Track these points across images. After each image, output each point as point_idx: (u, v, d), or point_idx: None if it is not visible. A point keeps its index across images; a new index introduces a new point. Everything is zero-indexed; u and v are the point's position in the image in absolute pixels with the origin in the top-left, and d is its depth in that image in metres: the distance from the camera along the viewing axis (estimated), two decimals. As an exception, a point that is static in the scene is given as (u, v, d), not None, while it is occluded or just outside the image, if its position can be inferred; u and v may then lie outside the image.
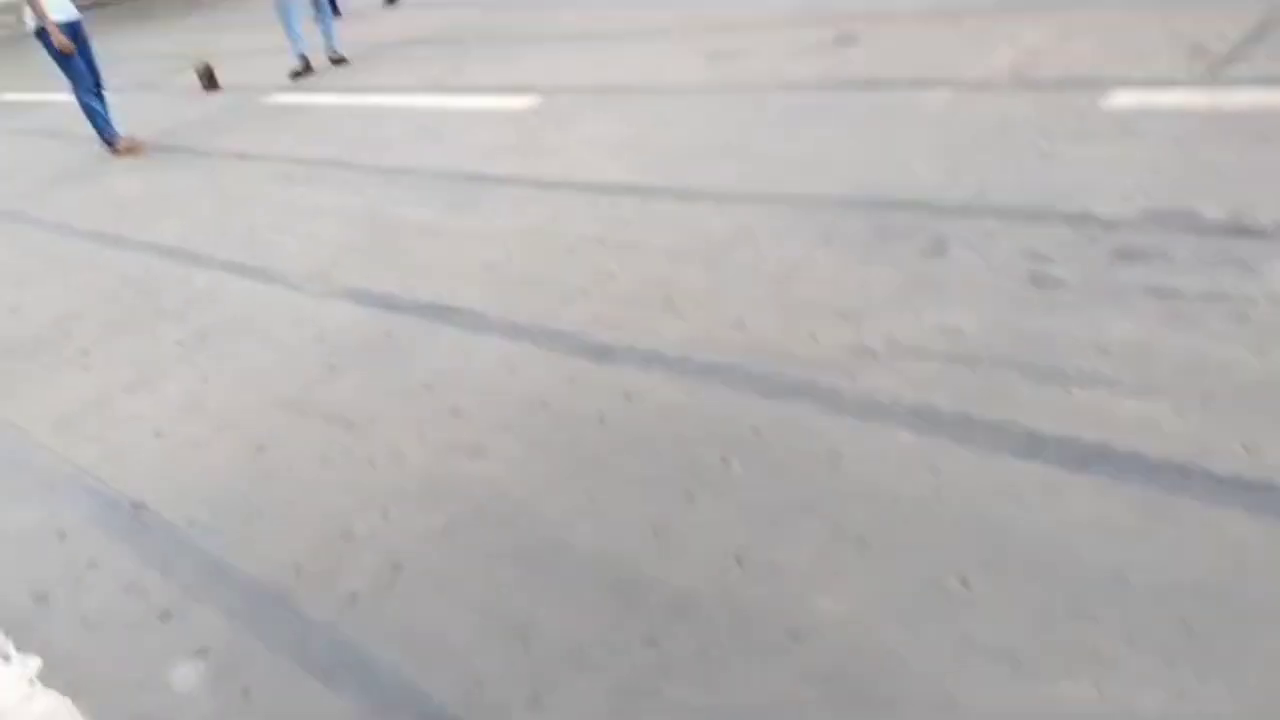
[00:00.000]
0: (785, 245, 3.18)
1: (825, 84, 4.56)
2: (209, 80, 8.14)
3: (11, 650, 2.26)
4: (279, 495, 2.58)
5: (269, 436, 2.89)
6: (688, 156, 4.19)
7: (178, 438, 3.03)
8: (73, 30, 6.45)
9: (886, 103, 4.17)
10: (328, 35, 8.03)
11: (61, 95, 9.56)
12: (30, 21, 6.29)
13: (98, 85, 6.69)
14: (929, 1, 5.37)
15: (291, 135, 6.32)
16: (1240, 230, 2.63)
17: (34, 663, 2.20)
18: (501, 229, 3.94)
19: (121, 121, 6.94)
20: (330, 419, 2.89)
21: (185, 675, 2.05)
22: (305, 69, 8.04)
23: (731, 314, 2.85)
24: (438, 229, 4.16)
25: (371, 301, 3.61)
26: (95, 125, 6.75)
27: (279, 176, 5.54)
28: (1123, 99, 3.61)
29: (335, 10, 10.15)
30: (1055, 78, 3.92)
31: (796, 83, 4.69)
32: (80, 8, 6.63)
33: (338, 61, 7.95)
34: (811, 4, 6.00)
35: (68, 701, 2.06)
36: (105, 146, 6.82)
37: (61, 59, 6.50)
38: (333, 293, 3.78)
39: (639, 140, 4.56)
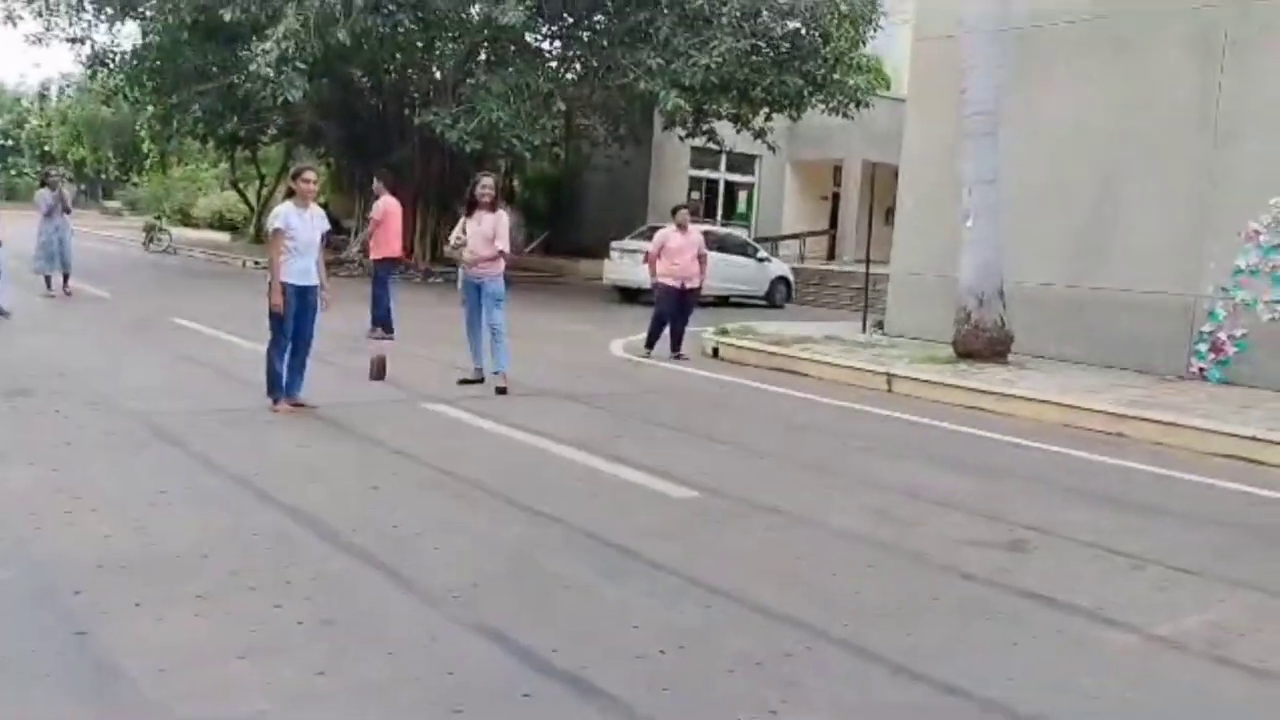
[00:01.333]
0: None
1: (993, 583, 4.45)
2: (379, 371, 8.57)
3: None
4: None
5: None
6: (853, 612, 4.04)
7: (280, 732, 2.78)
8: (301, 294, 6.95)
9: (1064, 624, 4.01)
10: (498, 361, 8.47)
11: (237, 339, 10.27)
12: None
13: (301, 349, 7.07)
14: (1110, 523, 5.37)
15: (445, 448, 6.45)
16: None
17: None
18: (649, 617, 3.78)
19: (307, 385, 7.23)
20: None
21: None
22: (475, 380, 8.56)
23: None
24: (588, 588, 4.03)
25: (510, 649, 3.41)
26: (268, 378, 7.05)
27: (426, 481, 5.59)
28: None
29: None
30: (1255, 663, 3.72)
31: (968, 571, 4.60)
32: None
33: (500, 391, 8.29)
34: (988, 500, 6.05)
35: None
36: (269, 399, 7.07)
37: (273, 314, 6.95)
38: (473, 624, 3.60)
39: (789, 566, 4.46)
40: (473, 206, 8.48)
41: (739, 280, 20.40)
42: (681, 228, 11.57)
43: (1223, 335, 10.54)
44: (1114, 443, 7.95)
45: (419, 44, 19.79)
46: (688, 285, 11.53)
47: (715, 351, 12.07)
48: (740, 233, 24.47)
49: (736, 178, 29.31)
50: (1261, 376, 10.16)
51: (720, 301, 19.83)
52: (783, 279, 21.44)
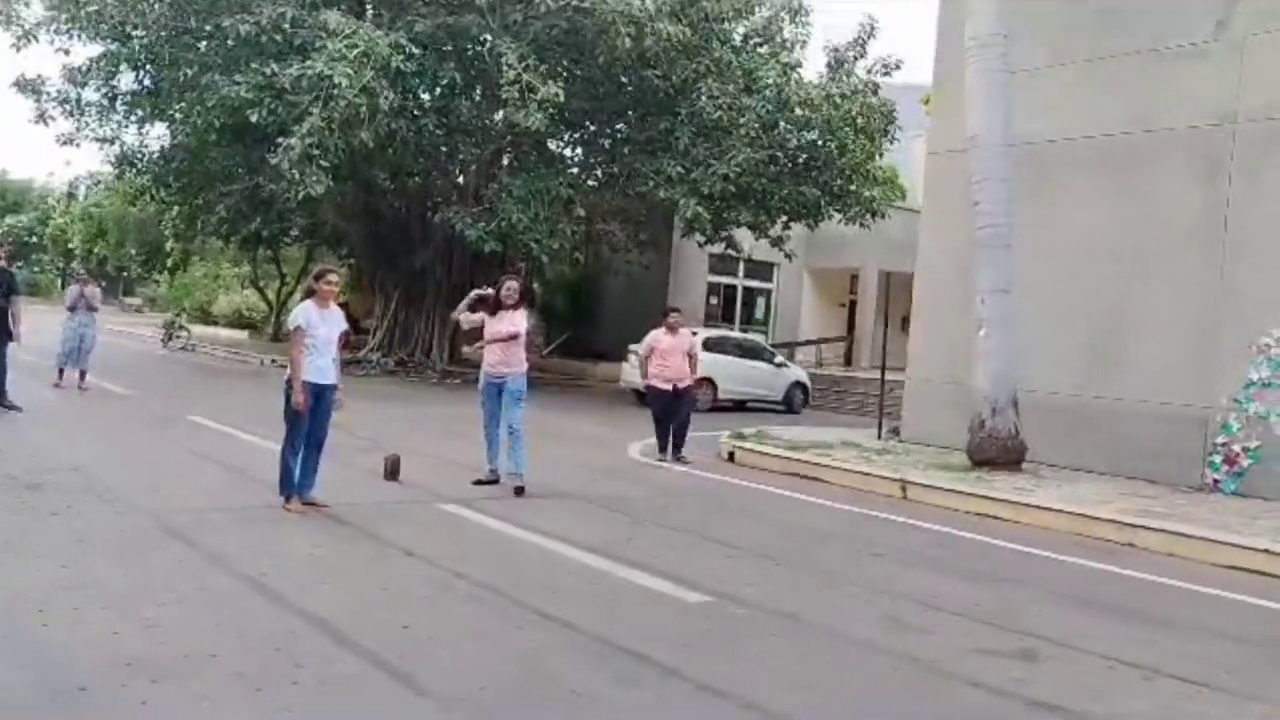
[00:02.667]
0: None
1: (1003, 693, 4.39)
2: (393, 471, 8.62)
3: None
4: None
5: None
6: None
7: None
8: (317, 392, 7.06)
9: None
10: (515, 462, 8.50)
11: (253, 437, 10.36)
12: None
13: (315, 448, 7.15)
14: (1120, 633, 5.29)
15: (457, 549, 6.46)
16: None
17: None
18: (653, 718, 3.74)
19: (320, 484, 7.29)
20: None
21: None
22: (490, 481, 8.60)
23: None
24: (599, 694, 3.99)
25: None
26: (281, 476, 7.11)
27: (438, 583, 5.59)
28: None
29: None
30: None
31: (975, 680, 4.54)
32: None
33: (518, 491, 8.32)
34: (1000, 609, 5.99)
35: None
36: (281, 498, 7.11)
37: (291, 413, 7.06)
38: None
39: (802, 673, 4.41)
40: (497, 307, 8.67)
41: (756, 385, 20.50)
42: (671, 330, 11.70)
43: (1237, 447, 10.49)
44: (1124, 552, 7.86)
45: (443, 148, 20.42)
46: (679, 386, 11.58)
47: (731, 456, 12.07)
48: (758, 338, 24.68)
49: (755, 284, 29.69)
50: (1276, 489, 10.08)
51: (738, 406, 19.90)
52: (800, 384, 21.54)
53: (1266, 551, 7.45)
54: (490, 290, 8.84)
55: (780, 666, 4.59)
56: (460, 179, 22.71)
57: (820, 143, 20.67)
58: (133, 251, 45.22)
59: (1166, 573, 7.17)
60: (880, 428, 14.55)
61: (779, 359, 21.67)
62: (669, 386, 11.54)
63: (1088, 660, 4.97)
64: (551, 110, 17.48)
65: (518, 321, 8.63)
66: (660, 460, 11.44)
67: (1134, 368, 11.34)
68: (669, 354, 11.61)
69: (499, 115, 19.58)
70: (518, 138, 19.92)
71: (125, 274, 56.77)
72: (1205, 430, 10.75)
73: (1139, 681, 4.72)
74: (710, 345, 19.95)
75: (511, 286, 8.70)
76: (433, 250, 22.72)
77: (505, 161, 21.84)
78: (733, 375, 19.92)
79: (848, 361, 29.23)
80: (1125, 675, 4.79)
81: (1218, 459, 10.63)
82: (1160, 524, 8.23)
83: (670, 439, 11.55)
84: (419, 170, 22.68)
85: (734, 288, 29.44)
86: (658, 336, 11.74)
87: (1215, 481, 10.61)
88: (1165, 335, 11.13)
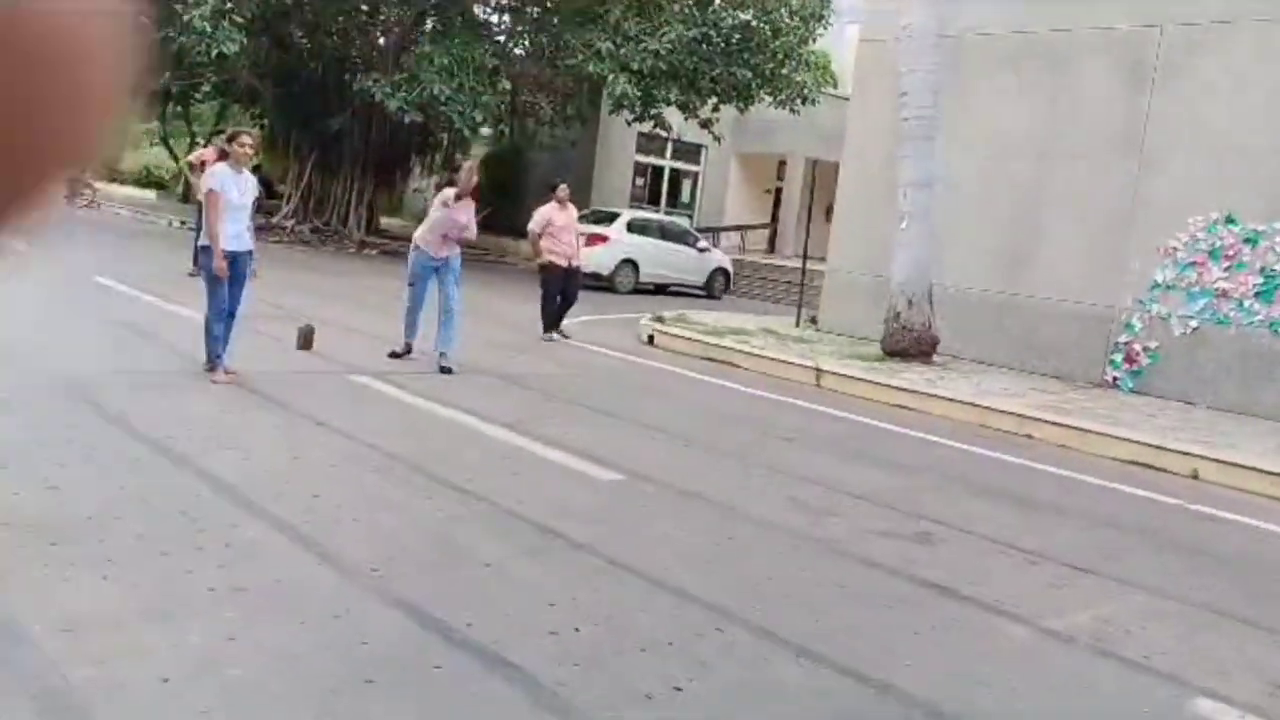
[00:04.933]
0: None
1: (897, 573, 4.59)
2: (306, 341, 8.47)
3: None
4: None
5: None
6: (765, 597, 4.14)
7: (183, 698, 2.78)
8: (231, 259, 6.85)
9: (962, 615, 4.17)
10: (447, 341, 8.43)
11: (160, 300, 10.05)
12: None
13: (230, 313, 6.96)
14: (1013, 520, 5.56)
15: (369, 422, 6.43)
16: None
17: None
18: (565, 596, 3.84)
19: (232, 353, 7.12)
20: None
21: None
22: (404, 354, 8.59)
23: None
24: (506, 566, 4.07)
25: (424, 622, 3.44)
26: (207, 345, 6.93)
27: (349, 454, 5.57)
28: (1205, 706, 3.56)
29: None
30: (1135, 658, 3.90)
31: (871, 560, 4.74)
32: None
33: (445, 370, 8.26)
34: (901, 494, 6.22)
35: None
36: (206, 366, 6.94)
37: (211, 280, 6.84)
38: (389, 598, 3.62)
39: (707, 550, 4.56)
40: (461, 195, 8.59)
41: (678, 269, 20.51)
42: (562, 205, 11.47)
43: (1138, 346, 10.92)
44: (1023, 444, 8.20)
45: (363, 7, 19.46)
46: (573, 263, 11.43)
47: (651, 339, 12.14)
48: (683, 222, 24.57)
49: (681, 166, 29.39)
50: (1172, 388, 10.56)
51: (659, 290, 19.93)
52: (722, 270, 21.60)
53: (1158, 447, 7.84)
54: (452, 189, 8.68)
55: (686, 544, 4.72)
56: (381, 41, 21.78)
57: (754, 23, 20.28)
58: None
59: (1062, 464, 7.50)
60: (799, 316, 14.75)
61: (702, 244, 21.66)
62: (565, 263, 11.32)
63: (980, 544, 5.22)
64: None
65: (471, 211, 8.66)
66: (548, 338, 11.27)
67: (1046, 266, 11.62)
68: (564, 230, 11.37)
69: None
70: (441, 3, 19.10)
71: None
72: (1110, 330, 11.14)
73: (1025, 565, 4.98)
74: (634, 227, 19.86)
75: (472, 180, 8.70)
76: (350, 115, 21.90)
77: (429, 25, 20.97)
78: (655, 259, 19.88)
79: (771, 249, 29.36)
80: (1013, 559, 5.05)
81: (1119, 357, 11.06)
82: (1058, 418, 8.58)
83: (553, 316, 11.33)
84: (337, 29, 21.66)
85: (660, 169, 29.12)
86: (551, 212, 11.42)
87: (1115, 379, 11.05)
88: (1077, 235, 11.39)
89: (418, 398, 7.20)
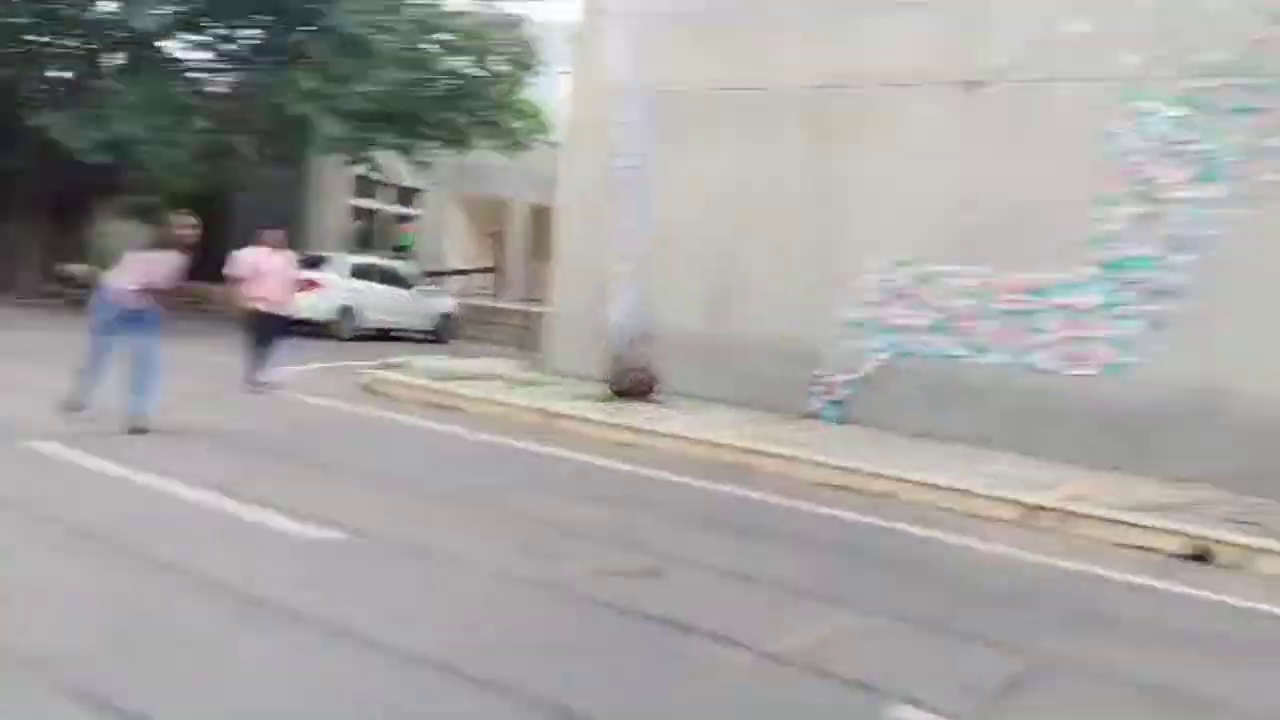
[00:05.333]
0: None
1: (627, 611, 4.65)
2: (-31, 403, 7.49)
3: None
4: None
5: None
6: (495, 647, 4.06)
7: None
8: None
9: (686, 646, 4.28)
10: (142, 398, 7.65)
11: None
12: None
13: None
14: (734, 549, 5.79)
15: (49, 491, 5.76)
16: None
17: None
18: (280, 670, 3.57)
19: None
20: None
21: None
22: (79, 410, 7.59)
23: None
24: (211, 642, 3.73)
25: (116, 716, 3.08)
26: None
27: (23, 532, 4.94)
28: (906, 712, 3.84)
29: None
30: (848, 675, 4.15)
31: (601, 600, 4.78)
32: None
33: (138, 431, 7.49)
34: (627, 530, 6.32)
35: None
36: None
37: None
38: (72, 691, 3.22)
39: (436, 606, 4.42)
40: (166, 244, 8.00)
41: (401, 313, 20.06)
42: (273, 248, 11.13)
43: (836, 379, 11.80)
44: (742, 475, 8.60)
45: (35, 37, 17.72)
46: (279, 310, 11.07)
47: (372, 387, 11.73)
48: (407, 266, 24.09)
49: (400, 209, 28.84)
50: (869, 417, 11.46)
51: (382, 335, 19.38)
52: (448, 314, 21.35)
53: (859, 471, 8.51)
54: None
55: (410, 601, 4.55)
56: (64, 75, 19.93)
57: (472, 72, 20.43)
58: None
59: (778, 493, 7.92)
60: (524, 359, 14.80)
61: (424, 287, 21.32)
62: (268, 309, 10.84)
63: (704, 575, 5.41)
64: (167, 11, 15.65)
65: (174, 262, 7.99)
66: (256, 389, 10.63)
67: (753, 307, 12.32)
68: (268, 276, 10.95)
69: (110, 6, 17.35)
70: (127, 38, 17.80)
71: None
72: (812, 365, 11.96)
73: (744, 592, 5.20)
74: (354, 272, 19.25)
75: (186, 232, 8.11)
76: (25, 155, 19.79)
77: (118, 60, 19.44)
78: (376, 304, 19.36)
79: (496, 292, 29.37)
80: (733, 587, 5.26)
81: (820, 390, 11.89)
82: (772, 448, 9.12)
83: (254, 363, 10.76)
84: (5, 60, 19.58)
85: (378, 213, 28.43)
86: (260, 255, 10.97)
87: (818, 411, 11.87)
88: (782, 277, 12.16)
89: (107, 461, 6.51)
